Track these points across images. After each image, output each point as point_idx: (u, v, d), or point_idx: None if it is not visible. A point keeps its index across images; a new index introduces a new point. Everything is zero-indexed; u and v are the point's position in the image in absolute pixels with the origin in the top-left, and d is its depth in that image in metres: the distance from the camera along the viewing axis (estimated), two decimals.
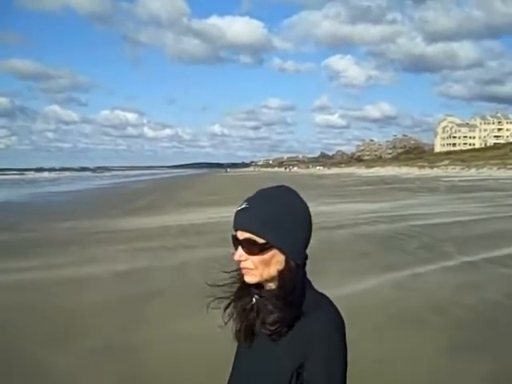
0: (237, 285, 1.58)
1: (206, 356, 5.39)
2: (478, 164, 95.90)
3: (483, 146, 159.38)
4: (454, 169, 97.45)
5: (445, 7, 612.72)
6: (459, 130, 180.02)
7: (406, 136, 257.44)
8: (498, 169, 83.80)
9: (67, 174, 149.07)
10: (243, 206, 1.48)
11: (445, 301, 7.45)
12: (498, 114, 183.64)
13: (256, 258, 1.45)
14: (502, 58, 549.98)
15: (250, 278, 1.48)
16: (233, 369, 1.61)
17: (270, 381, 1.42)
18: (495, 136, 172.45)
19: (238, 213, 1.49)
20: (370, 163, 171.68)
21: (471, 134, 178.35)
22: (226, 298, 1.60)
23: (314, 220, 1.54)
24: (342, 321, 1.46)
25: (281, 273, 1.46)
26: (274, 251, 1.45)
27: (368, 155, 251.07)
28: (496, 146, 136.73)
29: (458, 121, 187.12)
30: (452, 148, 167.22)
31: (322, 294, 1.51)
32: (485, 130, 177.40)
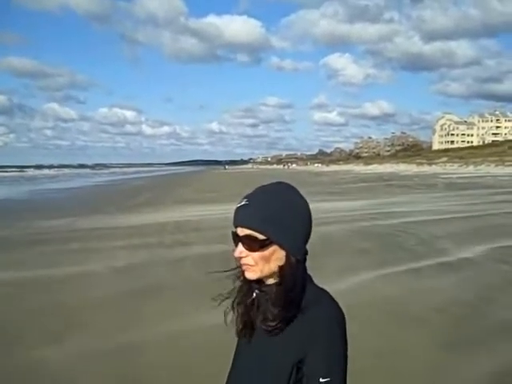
0: (238, 282, 1.59)
1: (205, 352, 5.39)
2: (476, 161, 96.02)
3: (481, 143, 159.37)
4: (452, 166, 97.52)
5: (442, 6, 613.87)
6: (457, 128, 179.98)
7: (404, 133, 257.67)
8: (496, 166, 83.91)
9: (66, 171, 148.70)
10: (243, 203, 1.49)
11: (442, 297, 7.48)
12: (496, 112, 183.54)
13: (256, 255, 1.46)
14: (499, 56, 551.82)
15: (250, 275, 1.49)
16: (233, 364, 1.62)
17: (270, 376, 1.43)
18: (493, 133, 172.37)
19: (237, 209, 1.49)
20: (368, 160, 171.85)
21: (469, 132, 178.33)
22: (228, 294, 1.61)
23: (312, 216, 1.55)
24: (343, 316, 1.46)
25: (281, 268, 1.46)
26: (275, 247, 1.45)
27: (366, 152, 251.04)
28: (494, 144, 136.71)
29: (456, 118, 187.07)
30: (450, 145, 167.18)
31: (322, 290, 1.51)
32: (483, 128, 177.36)
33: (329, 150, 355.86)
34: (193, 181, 62.19)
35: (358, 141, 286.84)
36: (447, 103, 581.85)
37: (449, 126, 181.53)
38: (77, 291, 8.16)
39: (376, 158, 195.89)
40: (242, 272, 1.52)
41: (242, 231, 1.47)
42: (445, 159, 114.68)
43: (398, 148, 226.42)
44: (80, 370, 5.17)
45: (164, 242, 12.95)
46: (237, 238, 1.49)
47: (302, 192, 1.57)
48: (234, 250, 1.50)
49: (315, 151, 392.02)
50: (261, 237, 1.44)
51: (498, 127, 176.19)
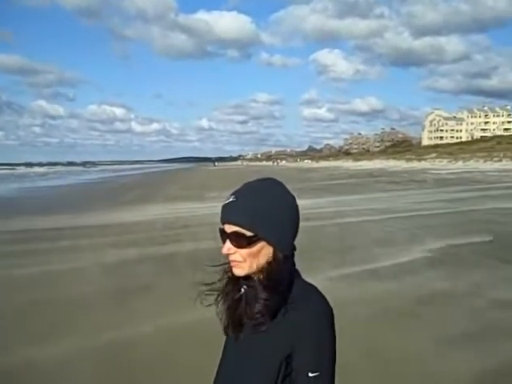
0: (226, 278, 1.59)
1: (196, 349, 5.40)
2: (465, 157, 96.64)
3: (470, 139, 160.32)
4: (442, 162, 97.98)
5: (432, 1, 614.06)
6: (446, 124, 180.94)
7: (393, 129, 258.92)
8: (485, 161, 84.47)
9: (57, 168, 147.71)
10: (230, 200, 1.48)
11: (430, 291, 7.52)
12: (485, 108, 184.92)
13: (244, 251, 1.46)
14: (488, 51, 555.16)
15: (238, 271, 1.49)
16: (221, 361, 1.62)
17: (259, 372, 1.43)
18: (482, 129, 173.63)
19: (225, 206, 1.49)
20: (358, 156, 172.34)
21: (458, 128, 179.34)
22: (216, 291, 1.60)
23: (300, 212, 1.55)
24: (331, 311, 1.47)
25: (269, 264, 1.46)
26: (262, 243, 1.45)
27: (356, 149, 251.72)
28: (483, 139, 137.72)
29: (445, 114, 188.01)
30: (439, 141, 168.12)
31: (310, 285, 1.52)
32: (472, 124, 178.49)
33: (318, 147, 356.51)
34: (182, 178, 62.06)
35: (348, 137, 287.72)
36: (436, 99, 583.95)
37: (438, 122, 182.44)
38: (66, 289, 8.13)
39: (366, 154, 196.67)
40: (230, 268, 1.52)
41: (229, 228, 1.47)
42: (434, 155, 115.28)
43: (387, 144, 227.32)
44: (71, 367, 5.16)
45: (153, 238, 12.94)
46: (224, 235, 1.49)
47: (291, 188, 1.58)
48: (222, 247, 1.50)
49: (305, 148, 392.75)
50: (248, 233, 1.44)
51: (486, 123, 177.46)
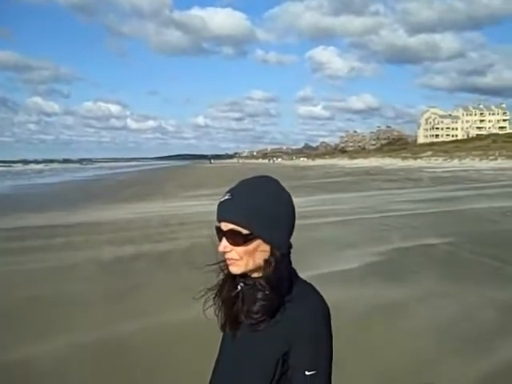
0: (222, 275, 1.58)
1: (193, 346, 5.40)
2: (461, 155, 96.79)
3: (466, 137, 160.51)
4: (437, 160, 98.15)
5: None
6: (442, 122, 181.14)
7: (389, 127, 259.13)
8: (480, 160, 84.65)
9: (53, 165, 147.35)
10: (226, 197, 1.48)
11: (427, 291, 7.54)
12: (481, 106, 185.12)
13: (241, 249, 1.46)
14: (483, 49, 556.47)
15: (235, 269, 1.49)
16: (218, 359, 1.62)
17: (255, 369, 1.43)
18: (478, 127, 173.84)
19: (221, 204, 1.49)
20: (354, 154, 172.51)
21: (454, 126, 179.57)
22: (212, 288, 1.60)
23: (297, 210, 1.55)
24: (328, 309, 1.47)
25: (265, 262, 1.47)
26: (259, 241, 1.46)
27: (352, 146, 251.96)
28: (478, 137, 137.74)
29: (440, 112, 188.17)
30: (435, 139, 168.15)
31: (307, 283, 1.52)
32: (467, 122, 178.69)
33: (314, 144, 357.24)
34: (178, 175, 62.04)
35: (344, 135, 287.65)
36: (432, 96, 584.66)
37: (433, 120, 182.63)
38: (62, 286, 8.12)
39: (361, 151, 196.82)
40: (227, 266, 1.52)
41: (225, 226, 1.47)
42: (429, 153, 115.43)
43: (383, 142, 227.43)
44: (67, 364, 5.16)
45: (149, 236, 12.93)
46: (221, 233, 1.49)
47: (286, 186, 1.57)
48: (218, 245, 1.50)
49: (301, 145, 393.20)
50: (244, 231, 1.44)
51: (482, 121, 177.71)
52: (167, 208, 19.99)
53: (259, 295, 1.45)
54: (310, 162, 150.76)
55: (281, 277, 1.46)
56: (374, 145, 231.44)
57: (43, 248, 11.48)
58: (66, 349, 5.53)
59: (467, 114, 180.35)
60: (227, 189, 1.51)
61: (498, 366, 4.93)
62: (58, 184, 44.35)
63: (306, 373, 1.39)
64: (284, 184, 1.56)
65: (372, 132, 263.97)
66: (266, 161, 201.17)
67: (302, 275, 1.53)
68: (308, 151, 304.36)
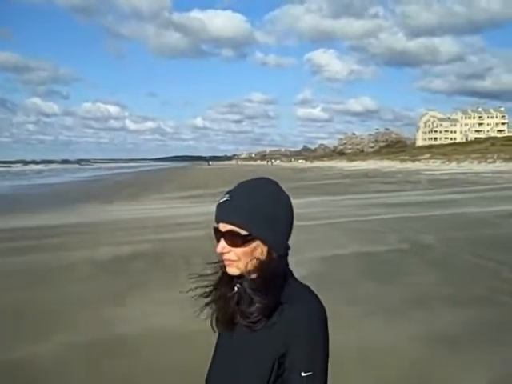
0: (219, 276, 1.58)
1: (193, 346, 5.39)
2: (459, 158, 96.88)
3: (464, 140, 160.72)
4: (435, 162, 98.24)
5: (426, 2, 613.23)
6: (440, 125, 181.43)
7: (388, 130, 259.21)
8: (479, 163, 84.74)
9: (52, 166, 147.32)
10: (225, 199, 1.48)
11: (423, 290, 7.55)
12: (479, 109, 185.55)
13: (239, 250, 1.46)
14: (482, 53, 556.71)
15: (232, 270, 1.49)
16: (213, 360, 1.61)
17: (251, 371, 1.43)
18: (476, 130, 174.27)
19: (219, 205, 1.49)
20: (352, 157, 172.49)
21: (452, 129, 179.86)
22: (209, 288, 1.60)
23: (295, 211, 1.55)
24: (324, 311, 1.47)
25: (263, 263, 1.47)
26: (257, 243, 1.46)
27: (350, 149, 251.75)
28: (477, 141, 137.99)
29: (439, 115, 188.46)
30: (433, 142, 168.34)
31: (304, 285, 1.52)
32: (466, 125, 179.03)
33: (313, 147, 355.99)
34: (176, 176, 62.06)
35: (342, 137, 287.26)
36: (430, 100, 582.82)
37: (432, 123, 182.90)
38: (60, 287, 8.12)
39: (360, 154, 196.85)
40: (224, 267, 1.52)
41: (224, 227, 1.47)
42: (428, 156, 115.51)
43: (381, 144, 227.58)
44: (64, 364, 5.16)
45: (147, 236, 12.92)
46: (219, 234, 1.49)
47: (285, 187, 1.58)
48: (216, 246, 1.50)
49: (299, 147, 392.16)
50: (243, 232, 1.44)
51: (480, 124, 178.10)
52: (164, 209, 19.98)
53: (256, 296, 1.45)
54: (309, 164, 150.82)
55: (277, 277, 1.46)
56: (372, 147, 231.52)
57: (42, 248, 11.47)
58: (64, 348, 5.53)
59: (466, 118, 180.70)
60: (225, 190, 1.51)
61: (499, 368, 4.94)
62: (57, 184, 44.34)
63: (303, 374, 1.38)
64: (282, 186, 1.57)
65: (371, 134, 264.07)
66: (265, 163, 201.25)
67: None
68: (306, 153, 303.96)
